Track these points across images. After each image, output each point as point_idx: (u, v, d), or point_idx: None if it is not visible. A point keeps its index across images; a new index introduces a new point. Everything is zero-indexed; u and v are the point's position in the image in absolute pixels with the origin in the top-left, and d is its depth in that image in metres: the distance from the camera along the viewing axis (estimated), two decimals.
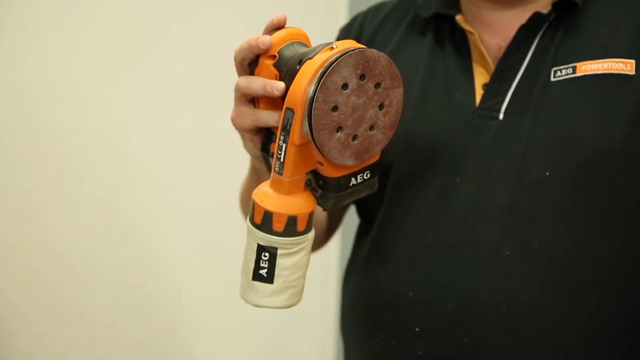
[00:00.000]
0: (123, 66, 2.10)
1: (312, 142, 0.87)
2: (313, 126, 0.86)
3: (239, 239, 1.12)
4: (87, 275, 2.10)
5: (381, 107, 0.89)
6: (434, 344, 1.02)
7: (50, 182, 2.05)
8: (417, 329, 1.03)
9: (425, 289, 1.03)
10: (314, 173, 0.92)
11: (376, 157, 0.94)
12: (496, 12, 1.09)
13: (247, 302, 0.93)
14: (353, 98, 0.87)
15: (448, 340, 1.01)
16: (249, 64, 0.95)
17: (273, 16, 0.97)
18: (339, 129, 0.87)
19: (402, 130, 1.06)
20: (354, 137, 0.89)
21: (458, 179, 1.04)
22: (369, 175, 0.93)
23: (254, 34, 0.95)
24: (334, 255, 2.51)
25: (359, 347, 1.14)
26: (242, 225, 1.04)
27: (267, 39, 0.92)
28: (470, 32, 1.09)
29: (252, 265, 0.92)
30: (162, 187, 2.21)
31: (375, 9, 1.24)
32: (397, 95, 0.90)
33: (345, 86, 0.86)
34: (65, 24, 2.03)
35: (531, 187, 1.01)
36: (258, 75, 0.93)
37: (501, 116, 1.04)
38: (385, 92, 0.89)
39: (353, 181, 0.92)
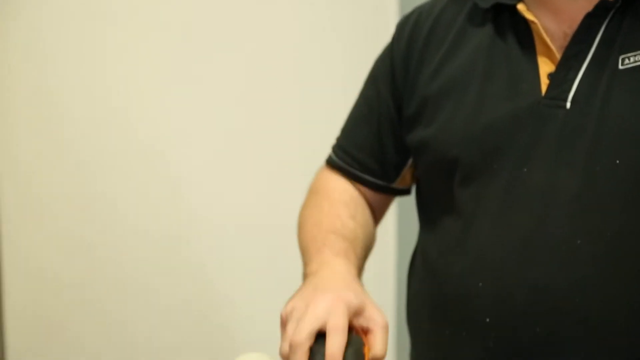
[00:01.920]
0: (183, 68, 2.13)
1: None
2: None
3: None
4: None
5: None
6: (505, 335, 1.02)
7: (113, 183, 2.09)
8: (487, 320, 1.03)
9: (495, 280, 1.03)
10: None
11: None
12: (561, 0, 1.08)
13: None
14: None
15: (519, 331, 1.01)
16: None
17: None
18: None
19: (465, 124, 1.07)
20: None
21: (526, 170, 1.03)
22: None
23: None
24: (392, 251, 2.51)
25: (427, 340, 1.13)
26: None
27: None
28: (533, 22, 1.07)
29: None
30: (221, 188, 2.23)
31: (430, 5, 1.24)
32: None
33: None
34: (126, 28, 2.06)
35: (601, 176, 1.00)
36: None
37: (568, 105, 1.03)
38: None
39: None
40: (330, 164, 1.28)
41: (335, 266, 1.06)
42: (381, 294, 2.50)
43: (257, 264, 2.29)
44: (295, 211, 1.27)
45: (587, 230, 0.99)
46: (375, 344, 0.98)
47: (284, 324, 0.98)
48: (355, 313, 0.97)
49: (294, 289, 1.05)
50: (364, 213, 1.23)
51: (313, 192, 1.26)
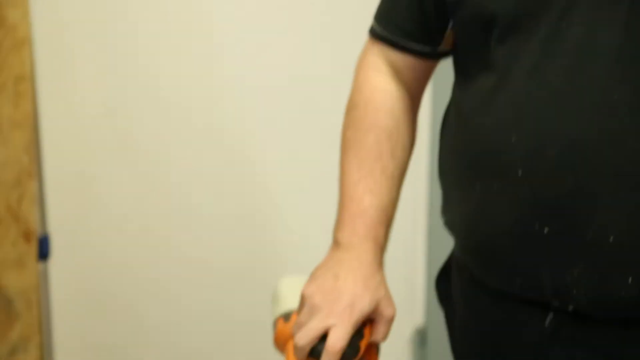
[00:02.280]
0: None
1: None
2: None
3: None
4: None
5: None
6: (537, 187, 0.99)
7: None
8: (519, 173, 1.00)
9: (529, 133, 1.00)
10: None
11: None
12: None
13: None
14: None
15: (552, 183, 0.98)
16: None
17: None
18: None
19: None
20: None
21: (564, 24, 1.00)
22: None
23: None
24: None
25: (459, 194, 1.12)
26: None
27: None
28: None
29: None
30: None
31: None
32: None
33: None
34: None
35: None
36: None
37: None
38: None
39: None
40: (374, 34, 1.23)
41: (361, 255, 1.10)
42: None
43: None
44: None
45: (625, 84, 0.96)
46: (377, 331, 1.07)
47: (301, 306, 1.07)
48: (366, 316, 1.06)
49: None
50: (404, 141, 1.20)
51: (355, 105, 1.21)
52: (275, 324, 1.12)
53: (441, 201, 1.17)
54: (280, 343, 1.10)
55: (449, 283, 1.21)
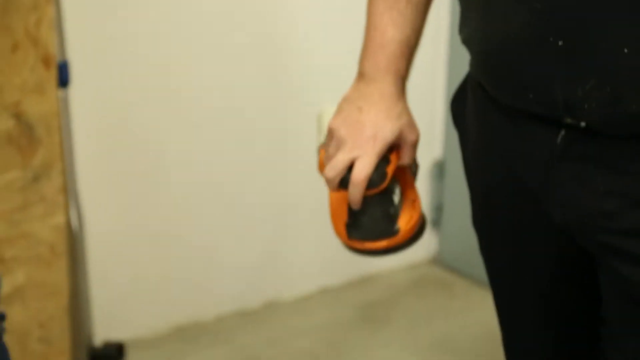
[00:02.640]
0: None
1: None
2: None
3: None
4: None
5: None
6: None
7: None
8: None
9: None
10: None
11: None
12: None
13: None
14: None
15: None
16: None
17: None
18: None
19: None
20: None
21: None
22: None
23: None
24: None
25: (475, 7, 1.08)
26: None
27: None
28: None
29: None
30: None
31: None
32: None
33: None
34: None
35: None
36: None
37: None
38: None
39: None
40: None
41: (383, 88, 1.13)
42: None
43: None
44: None
45: None
46: (403, 155, 1.13)
47: (328, 139, 1.13)
48: (390, 144, 1.11)
49: None
50: None
51: None
52: (318, 151, 1.18)
53: (459, 19, 1.15)
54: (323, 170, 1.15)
55: (463, 103, 1.21)
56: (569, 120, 1.00)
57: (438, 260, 2.77)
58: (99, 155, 2.13)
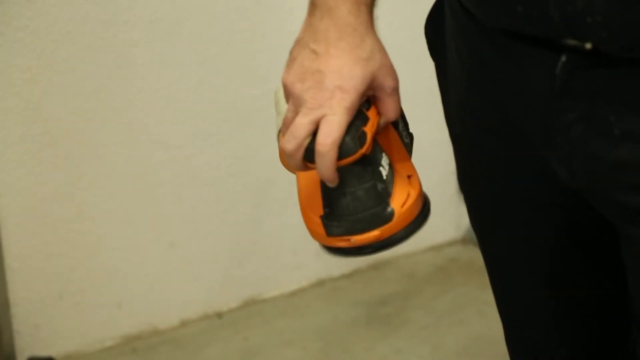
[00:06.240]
0: None
1: None
2: None
3: None
4: None
5: None
6: None
7: None
8: None
9: None
10: None
11: None
12: None
13: None
14: None
15: None
16: None
17: None
18: None
19: None
20: None
21: None
22: None
23: None
24: None
25: None
26: None
27: None
28: None
29: None
30: None
31: None
32: None
33: None
34: None
35: None
36: None
37: None
38: None
39: None
40: None
41: (340, 19, 1.05)
42: None
43: None
44: None
45: None
46: (384, 108, 1.07)
47: (286, 97, 1.08)
48: (363, 94, 1.05)
49: None
50: None
51: None
52: (278, 137, 1.11)
53: None
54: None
55: (441, 26, 1.17)
56: (570, 42, 0.96)
57: (469, 240, 2.69)
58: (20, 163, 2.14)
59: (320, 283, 2.53)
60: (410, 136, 1.14)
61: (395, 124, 1.10)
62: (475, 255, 2.53)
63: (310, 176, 1.08)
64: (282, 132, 1.08)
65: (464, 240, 2.71)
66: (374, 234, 1.05)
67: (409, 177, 1.09)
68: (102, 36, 2.15)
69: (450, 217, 2.59)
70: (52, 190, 2.20)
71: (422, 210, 1.09)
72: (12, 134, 2.13)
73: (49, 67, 2.11)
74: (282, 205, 2.44)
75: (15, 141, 2.14)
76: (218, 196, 2.39)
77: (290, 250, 2.49)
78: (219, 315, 2.41)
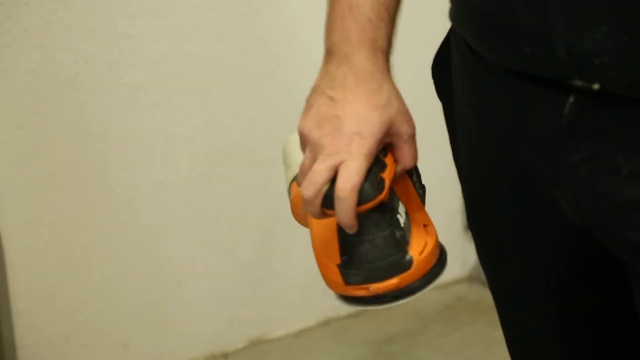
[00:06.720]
0: None
1: None
2: None
3: None
4: None
5: None
6: None
7: None
8: None
9: None
10: None
11: None
12: None
13: None
14: None
15: None
16: None
17: None
18: None
19: None
20: None
21: None
22: None
23: None
24: None
25: None
26: None
27: None
28: None
29: None
30: None
31: None
32: None
33: None
34: None
35: None
36: None
37: None
38: None
39: None
40: None
41: (357, 66, 1.05)
42: None
43: None
44: None
45: None
46: (401, 155, 1.06)
47: (303, 145, 1.06)
48: (380, 141, 1.04)
49: None
50: None
51: None
52: (289, 190, 1.11)
53: None
54: (298, 210, 1.09)
55: (448, 67, 1.17)
56: (577, 83, 0.96)
57: (476, 278, 2.68)
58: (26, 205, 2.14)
59: (327, 322, 2.51)
60: (423, 187, 1.12)
61: (409, 174, 1.09)
62: (482, 294, 2.54)
63: (325, 224, 1.06)
64: (297, 180, 1.06)
65: (470, 278, 2.70)
66: (392, 282, 1.03)
67: (425, 226, 1.07)
68: (108, 78, 2.15)
69: (456, 255, 2.56)
70: (58, 232, 2.20)
71: (440, 259, 1.07)
72: (18, 175, 2.13)
73: (55, 110, 2.11)
74: (288, 244, 2.43)
75: (22, 183, 2.14)
76: (224, 235, 2.38)
77: (296, 290, 2.48)
78: (225, 355, 2.39)
